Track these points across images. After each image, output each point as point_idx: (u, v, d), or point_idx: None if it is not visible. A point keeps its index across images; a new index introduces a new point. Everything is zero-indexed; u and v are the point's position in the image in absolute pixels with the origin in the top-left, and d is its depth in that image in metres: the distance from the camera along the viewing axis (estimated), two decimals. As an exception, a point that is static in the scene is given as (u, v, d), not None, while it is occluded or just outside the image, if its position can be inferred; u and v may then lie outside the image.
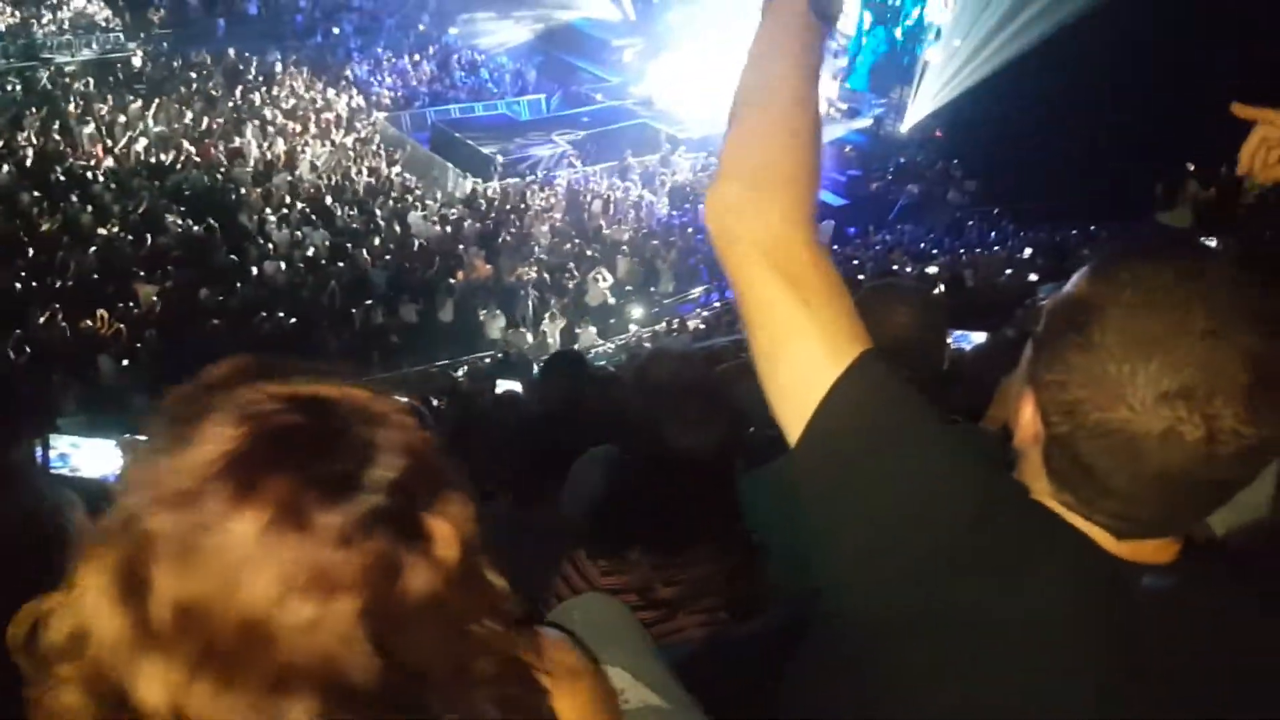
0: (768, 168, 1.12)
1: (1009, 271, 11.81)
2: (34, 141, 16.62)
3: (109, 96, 18.78)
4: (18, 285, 12.35)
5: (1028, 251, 13.98)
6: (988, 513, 0.98)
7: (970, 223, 17.75)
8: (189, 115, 18.32)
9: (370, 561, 0.73)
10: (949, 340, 2.24)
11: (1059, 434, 0.97)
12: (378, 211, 15.51)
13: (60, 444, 3.96)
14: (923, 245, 16.80)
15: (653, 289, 14.19)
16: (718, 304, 13.18)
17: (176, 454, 0.73)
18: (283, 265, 13.34)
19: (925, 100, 20.94)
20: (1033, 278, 10.11)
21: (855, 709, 1.06)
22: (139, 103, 18.44)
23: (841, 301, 1.07)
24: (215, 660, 0.71)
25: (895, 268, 13.78)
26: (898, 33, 21.55)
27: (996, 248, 15.61)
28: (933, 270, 12.89)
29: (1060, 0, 17.78)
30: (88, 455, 3.85)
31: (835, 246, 17.40)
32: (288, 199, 15.54)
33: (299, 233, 14.45)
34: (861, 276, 15.23)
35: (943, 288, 9.99)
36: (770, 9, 1.24)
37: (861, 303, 2.22)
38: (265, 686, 0.71)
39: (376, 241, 14.48)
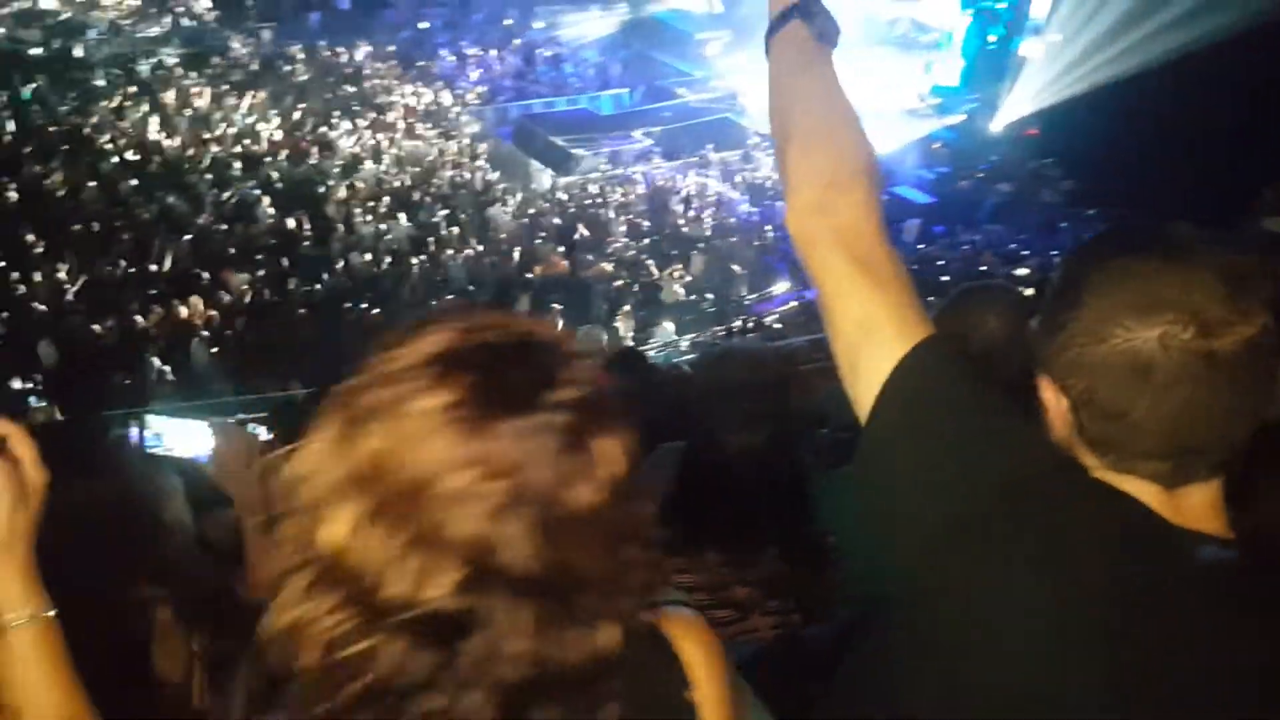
0: (834, 167, 1.23)
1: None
2: (134, 131, 17.26)
3: (206, 88, 19.36)
4: (116, 271, 12.87)
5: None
6: (1030, 483, 1.03)
7: (1064, 224, 17.20)
8: (281, 107, 18.82)
9: (530, 460, 0.84)
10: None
11: (1076, 393, 1.04)
12: (459, 205, 15.71)
13: (155, 424, 4.09)
14: (1013, 246, 16.35)
15: (730, 286, 14.08)
16: (795, 303, 13.01)
17: (399, 349, 0.89)
18: (368, 256, 13.62)
19: (1021, 97, 20.34)
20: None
21: (897, 682, 1.12)
22: (235, 95, 19.03)
23: (909, 289, 1.17)
24: (387, 509, 0.85)
25: (984, 268, 13.43)
26: (993, 25, 20.95)
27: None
28: (1023, 272, 12.53)
29: (1179, 26, 16.99)
30: (180, 436, 3.96)
31: (921, 245, 17.06)
32: (374, 191, 15.85)
33: (383, 225, 14.72)
34: (946, 277, 14.93)
35: (1034, 290, 9.70)
36: (776, 42, 1.43)
37: (952, 305, 2.14)
38: (419, 543, 0.84)
39: (457, 234, 14.66)
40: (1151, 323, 0.97)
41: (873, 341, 1.13)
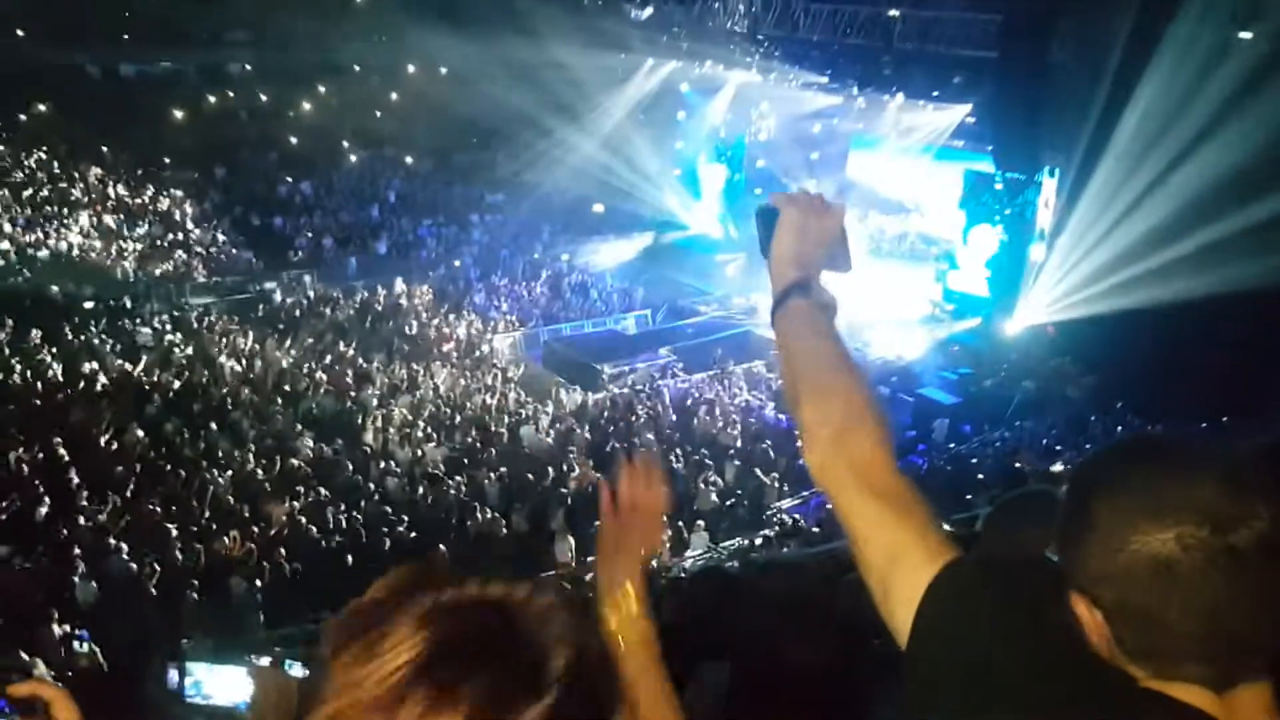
0: (844, 410, 1.34)
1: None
2: (180, 376, 17.97)
3: (250, 331, 20.27)
4: (158, 510, 13.06)
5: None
6: (1080, 701, 1.04)
7: (1093, 418, 17.21)
8: (322, 345, 19.62)
9: None
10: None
11: (1108, 604, 1.04)
12: (493, 427, 16.03)
13: (195, 670, 4.10)
14: (1045, 441, 16.32)
15: (764, 492, 14.06)
16: (830, 506, 12.88)
17: (367, 664, 0.79)
18: (404, 482, 13.81)
19: (1034, 299, 20.93)
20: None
21: None
22: (276, 336, 19.88)
23: (929, 513, 1.24)
24: None
25: (1019, 465, 13.34)
26: (1000, 232, 21.84)
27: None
28: (1058, 468, 12.44)
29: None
30: (220, 682, 3.96)
31: (951, 444, 17.08)
32: (410, 419, 16.25)
33: (419, 450, 15.01)
34: (981, 475, 14.83)
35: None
36: (780, 317, 1.54)
37: (994, 518, 2.20)
38: None
39: (492, 454, 14.89)
40: (1165, 524, 0.98)
41: (901, 569, 1.18)
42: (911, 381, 19.25)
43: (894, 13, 21.61)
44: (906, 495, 1.25)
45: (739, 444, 15.90)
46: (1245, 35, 17.23)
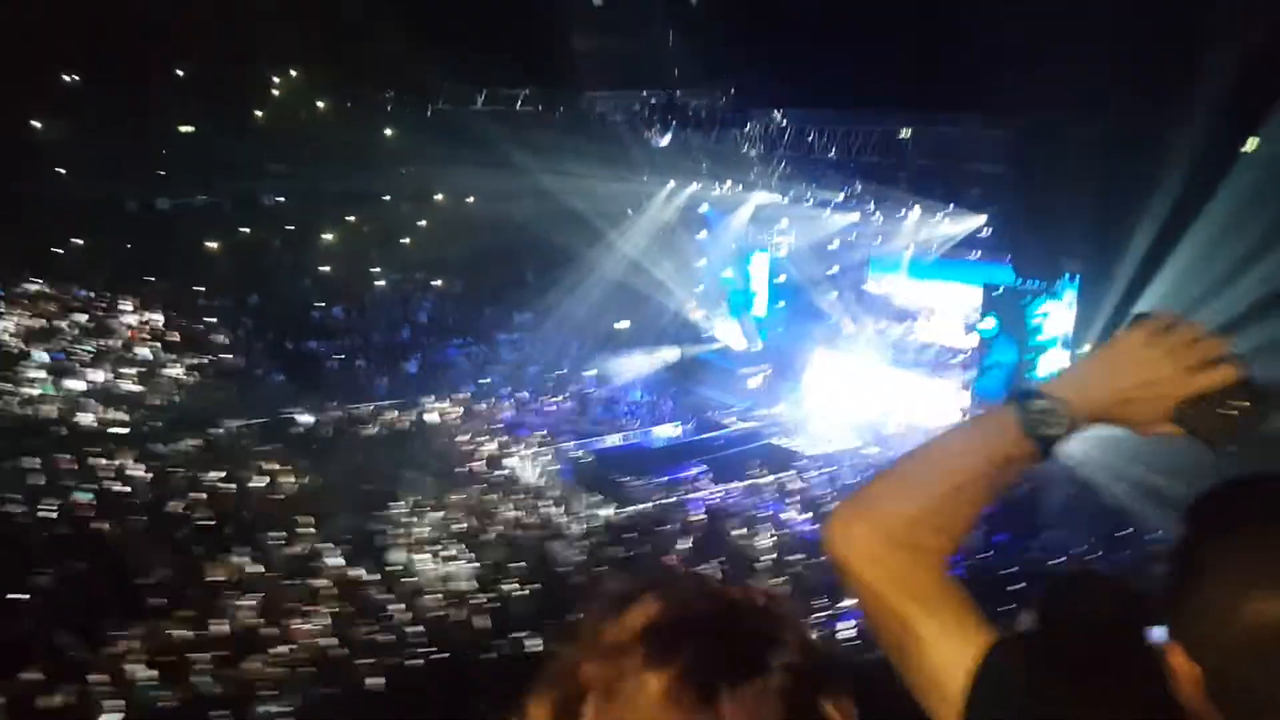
0: (909, 525, 1.20)
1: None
2: (207, 497, 18.04)
3: (280, 455, 20.41)
4: (180, 635, 12.93)
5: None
6: None
7: (1129, 530, 16.84)
8: (349, 466, 19.71)
9: None
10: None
11: (1209, 663, 0.98)
12: (522, 542, 15.92)
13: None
14: (1084, 547, 15.96)
15: (799, 603, 13.75)
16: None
17: (610, 621, 0.91)
18: (431, 598, 13.66)
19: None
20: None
21: None
22: (307, 460, 19.99)
23: (961, 599, 1.18)
24: None
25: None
26: (1022, 339, 21.89)
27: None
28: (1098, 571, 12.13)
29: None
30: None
31: (987, 554, 16.71)
32: (437, 536, 16.18)
33: (447, 567, 14.90)
34: (1022, 584, 14.44)
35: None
36: (980, 419, 1.38)
37: (1051, 595, 2.12)
38: None
39: (521, 570, 14.76)
40: None
41: (934, 657, 1.13)
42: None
43: (905, 133, 22.23)
44: (951, 586, 1.19)
45: (770, 555, 15.69)
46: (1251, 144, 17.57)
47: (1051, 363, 21.06)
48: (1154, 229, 17.58)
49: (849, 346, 24.37)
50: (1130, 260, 18.20)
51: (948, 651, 1.11)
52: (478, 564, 15.08)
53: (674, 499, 18.56)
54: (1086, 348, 20.42)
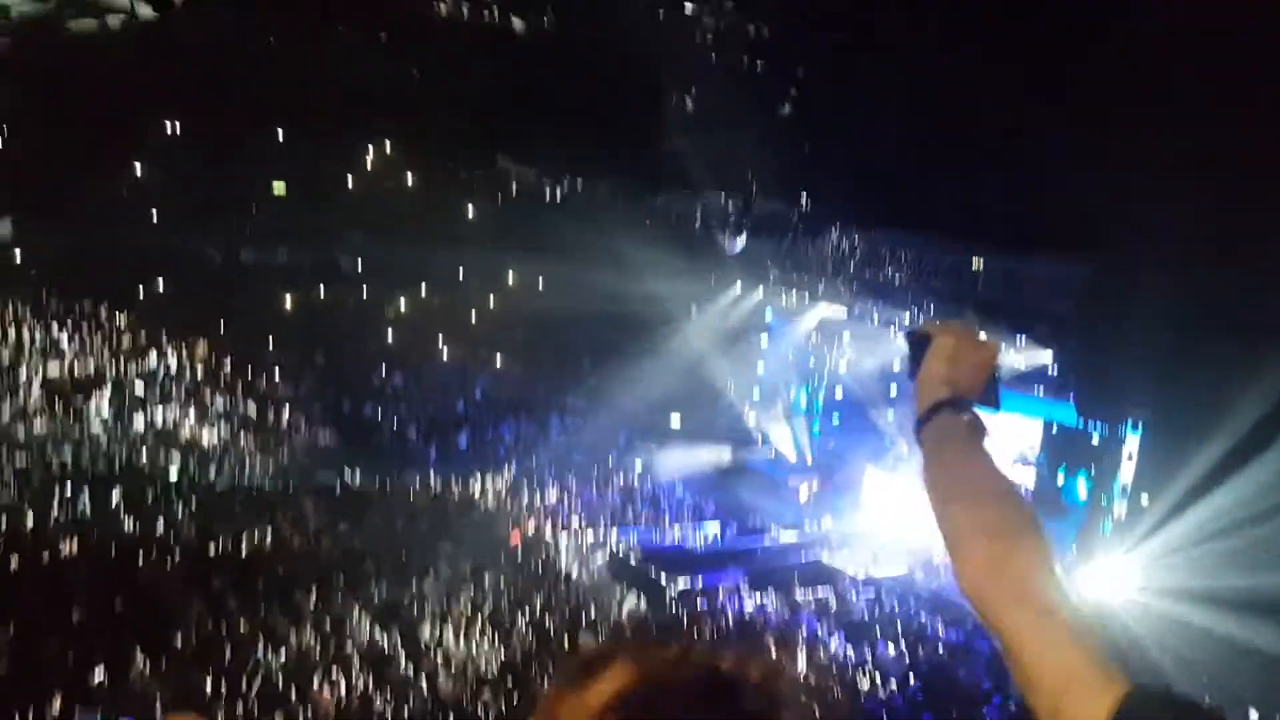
0: (1000, 522, 1.27)
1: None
2: (251, 550, 18.19)
3: (323, 514, 20.56)
4: (208, 688, 12.91)
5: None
6: None
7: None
8: (393, 531, 19.78)
9: None
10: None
11: None
12: (552, 630, 15.70)
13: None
14: None
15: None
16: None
17: (573, 689, 0.84)
18: (458, 681, 13.48)
19: (1109, 566, 19.92)
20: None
21: None
22: (348, 523, 20.07)
23: (1097, 635, 1.17)
24: None
25: None
26: (1082, 483, 21.43)
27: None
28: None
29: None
30: None
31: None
32: (469, 615, 16.04)
33: (476, 650, 14.72)
34: None
35: None
36: (928, 429, 1.54)
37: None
38: None
39: (549, 659, 14.50)
40: None
41: (1074, 694, 1.12)
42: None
43: (977, 263, 22.27)
44: (1075, 613, 1.18)
45: (804, 674, 15.23)
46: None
47: (1115, 510, 20.48)
48: (1227, 381, 17.20)
49: (902, 468, 24.01)
50: (1198, 411, 17.78)
51: (1089, 696, 1.08)
52: (504, 648, 14.86)
53: (710, 605, 18.23)
54: (1144, 499, 19.84)
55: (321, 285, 31.59)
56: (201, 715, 11.72)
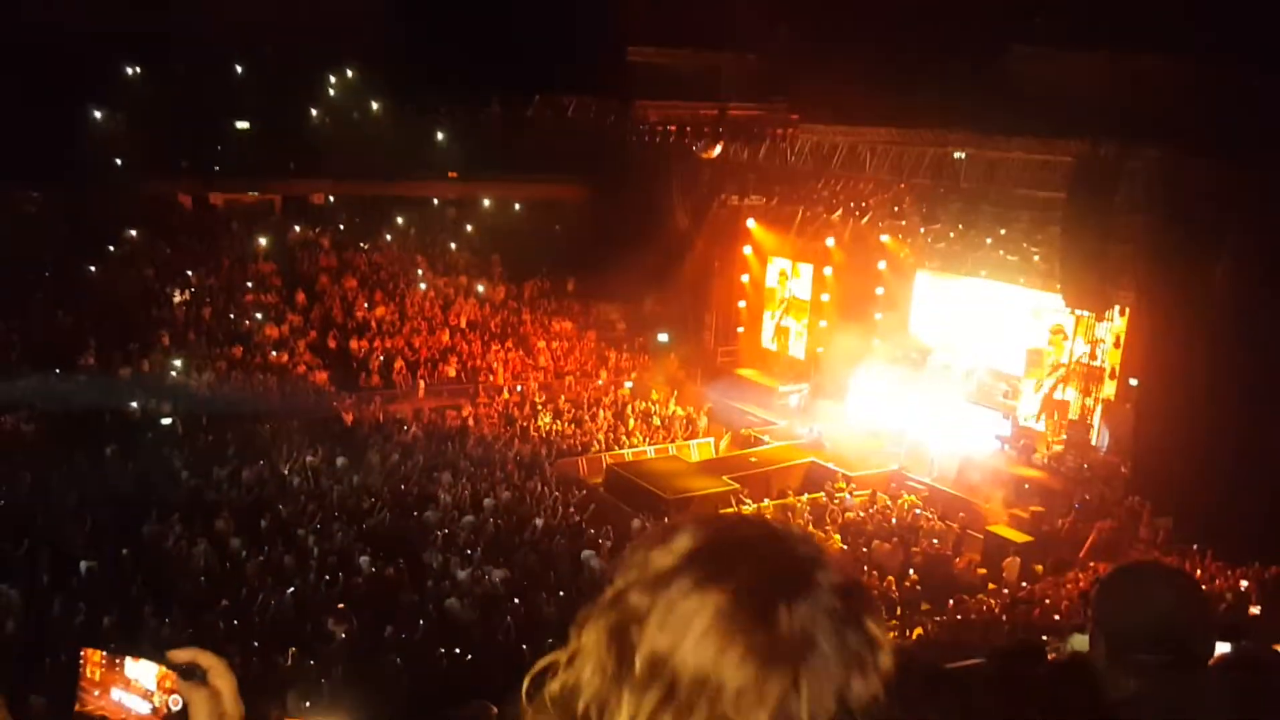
0: None
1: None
2: (250, 492, 18.26)
3: (319, 449, 20.60)
4: (221, 624, 13.09)
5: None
6: None
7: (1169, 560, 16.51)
8: (388, 465, 19.87)
9: (812, 644, 0.87)
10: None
11: None
12: (554, 551, 15.92)
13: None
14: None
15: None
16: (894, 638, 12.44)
17: (657, 549, 0.94)
18: (463, 602, 13.68)
19: (1103, 438, 20.56)
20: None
21: None
22: (346, 458, 20.13)
23: None
24: (671, 710, 0.87)
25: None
26: (1068, 370, 21.63)
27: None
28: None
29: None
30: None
31: (1024, 583, 16.51)
32: (472, 539, 16.23)
33: (480, 571, 14.91)
34: (1057, 616, 14.24)
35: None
36: None
37: (1116, 583, 2.08)
38: None
39: (552, 578, 14.75)
40: None
41: None
42: (981, 518, 18.77)
43: (959, 154, 22.04)
44: None
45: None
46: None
47: (1102, 391, 20.81)
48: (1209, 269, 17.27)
49: (893, 369, 24.15)
50: (1183, 297, 17.86)
51: None
52: (508, 570, 15.05)
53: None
54: (1133, 382, 20.10)
55: (295, 222, 31.21)
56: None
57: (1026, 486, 19.83)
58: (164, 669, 1.19)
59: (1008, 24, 18.98)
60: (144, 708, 1.19)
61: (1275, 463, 15.47)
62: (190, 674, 1.18)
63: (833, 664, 0.86)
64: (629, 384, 26.71)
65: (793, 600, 0.88)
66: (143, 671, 1.22)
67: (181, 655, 1.19)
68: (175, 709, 1.16)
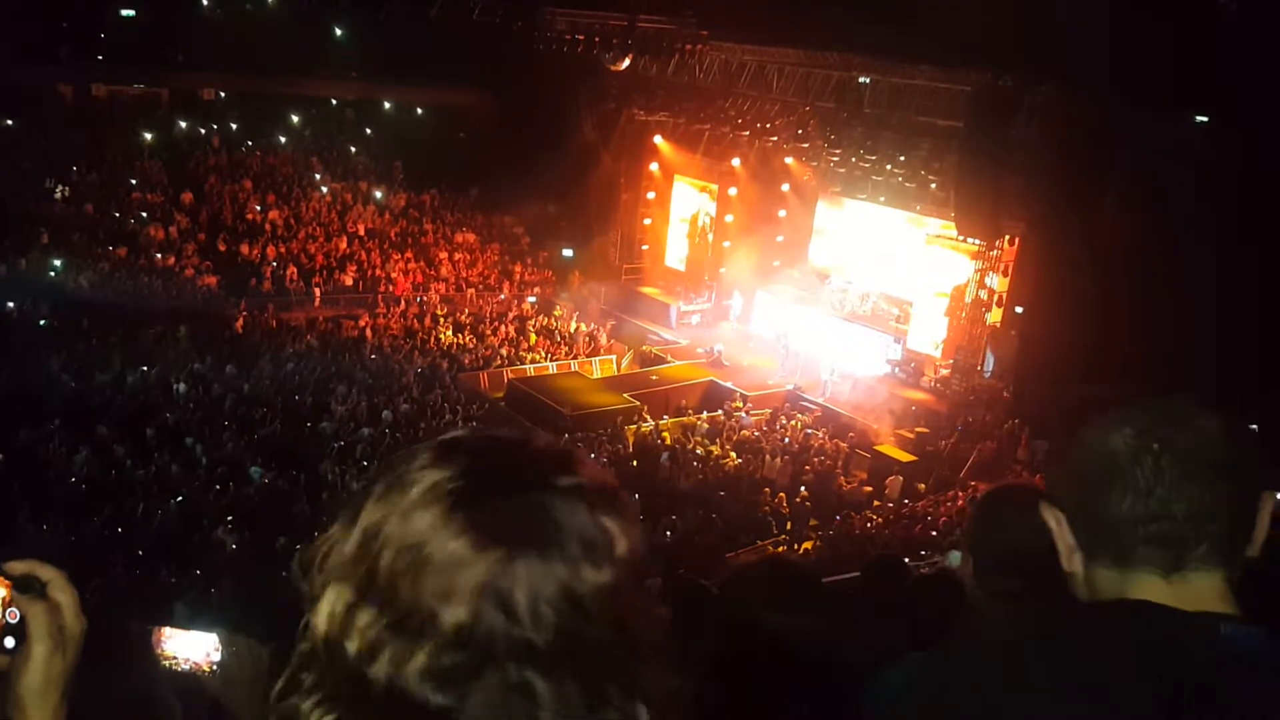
0: None
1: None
2: (134, 398, 17.65)
3: (209, 357, 19.98)
4: (105, 533, 12.78)
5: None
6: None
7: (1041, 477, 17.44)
8: (282, 374, 19.41)
9: (530, 534, 0.84)
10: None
11: (1067, 505, 1.25)
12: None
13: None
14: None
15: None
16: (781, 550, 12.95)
17: (399, 490, 0.89)
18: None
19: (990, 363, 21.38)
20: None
21: None
22: (236, 366, 19.58)
23: None
24: (376, 587, 0.85)
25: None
26: (958, 296, 22.31)
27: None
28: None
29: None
30: (190, 645, 3.89)
31: (906, 500, 17.23)
32: (369, 451, 16.08)
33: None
34: (934, 532, 14.97)
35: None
36: None
37: (990, 509, 2.14)
38: (409, 619, 0.83)
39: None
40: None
41: None
42: (870, 438, 19.43)
43: (864, 79, 22.17)
44: None
45: (694, 491, 15.93)
46: (1201, 119, 17.94)
47: (989, 319, 21.53)
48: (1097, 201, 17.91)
49: (792, 291, 24.54)
50: (1072, 228, 18.52)
51: None
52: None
53: (606, 431, 18.66)
54: (1019, 309, 20.91)
55: (183, 119, 29.64)
56: (98, 561, 11.63)
57: (914, 409, 20.56)
58: (1, 580, 1.13)
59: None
60: None
61: (1155, 388, 16.28)
62: (27, 586, 1.11)
63: (557, 552, 0.84)
64: (532, 299, 26.54)
65: (521, 487, 0.86)
66: None
67: (19, 567, 1.11)
68: (13, 622, 1.10)
